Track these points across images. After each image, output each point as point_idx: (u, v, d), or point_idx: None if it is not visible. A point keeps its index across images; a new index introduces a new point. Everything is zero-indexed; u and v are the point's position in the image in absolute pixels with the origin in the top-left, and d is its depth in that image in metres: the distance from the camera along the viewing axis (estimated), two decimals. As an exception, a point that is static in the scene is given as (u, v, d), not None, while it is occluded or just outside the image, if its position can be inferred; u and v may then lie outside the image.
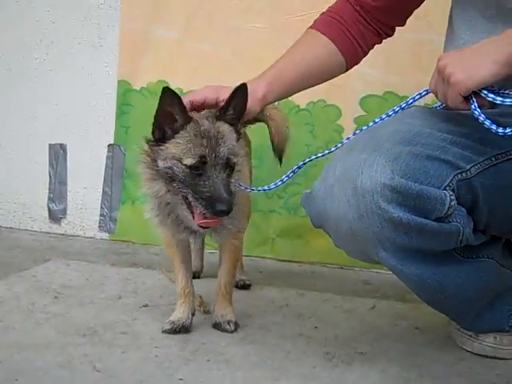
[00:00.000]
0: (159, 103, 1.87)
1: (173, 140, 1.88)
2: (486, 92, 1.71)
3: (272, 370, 1.96)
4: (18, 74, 3.56)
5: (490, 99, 1.71)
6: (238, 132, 1.99)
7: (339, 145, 2.00)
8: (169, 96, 1.85)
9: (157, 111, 1.88)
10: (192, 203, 1.88)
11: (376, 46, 2.31)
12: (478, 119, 1.73)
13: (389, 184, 1.73)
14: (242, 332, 2.21)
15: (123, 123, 3.43)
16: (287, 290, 2.71)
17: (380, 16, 2.20)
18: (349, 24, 2.18)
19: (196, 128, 1.88)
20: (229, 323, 2.17)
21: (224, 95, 1.98)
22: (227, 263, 2.19)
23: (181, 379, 1.86)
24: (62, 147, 3.52)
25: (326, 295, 2.65)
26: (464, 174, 1.84)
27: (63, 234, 3.51)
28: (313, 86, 2.24)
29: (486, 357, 2.15)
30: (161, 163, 1.89)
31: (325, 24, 2.21)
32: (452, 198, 1.80)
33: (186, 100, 1.95)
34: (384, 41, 2.31)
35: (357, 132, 2.00)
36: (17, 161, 3.60)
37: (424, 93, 1.90)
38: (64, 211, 3.53)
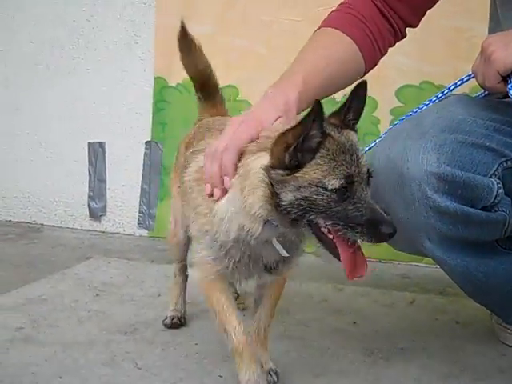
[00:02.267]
0: (309, 123, 1.46)
1: (310, 163, 1.49)
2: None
3: (311, 366, 1.97)
4: (56, 74, 3.63)
5: None
6: None
7: (378, 140, 1.97)
8: (317, 111, 1.45)
9: (296, 131, 1.48)
10: (338, 237, 1.51)
11: (410, 34, 2.24)
12: None
13: (435, 172, 1.70)
14: (281, 328, 2.21)
15: (160, 120, 3.46)
16: (325, 285, 2.71)
17: (401, 10, 2.02)
18: (368, 21, 1.98)
19: (334, 143, 1.51)
20: (270, 373, 1.87)
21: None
22: (270, 302, 1.86)
23: (220, 376, 1.89)
24: (101, 145, 3.57)
25: (365, 290, 2.64)
26: (509, 162, 1.81)
27: (104, 232, 3.57)
28: (333, 93, 1.96)
29: (528, 351, 2.13)
30: (289, 196, 1.49)
31: (344, 21, 1.97)
32: (499, 186, 1.77)
33: (232, 157, 1.61)
34: (419, 29, 2.23)
35: (397, 122, 1.97)
36: (57, 160, 3.67)
37: (466, 78, 1.86)
38: (104, 209, 3.58)
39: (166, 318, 2.22)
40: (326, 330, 2.24)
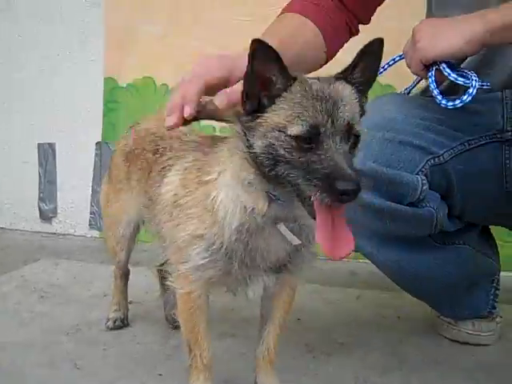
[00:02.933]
0: (249, 63, 1.36)
1: (273, 107, 1.38)
2: (444, 65, 1.73)
3: (252, 362, 1.97)
4: (3, 73, 3.58)
5: (446, 73, 1.73)
6: (363, 102, 1.47)
7: None
8: (262, 52, 1.35)
9: (247, 75, 1.38)
10: (317, 201, 1.33)
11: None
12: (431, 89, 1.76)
13: (360, 169, 1.73)
14: (223, 326, 2.22)
15: (110, 120, 3.45)
16: (273, 282, 2.71)
17: (353, 6, 2.03)
18: (330, 13, 1.97)
19: (304, 87, 1.38)
20: None
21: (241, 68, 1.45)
22: (279, 316, 1.71)
23: (160, 374, 1.89)
24: (51, 146, 3.54)
25: (312, 287, 2.66)
26: (437, 159, 1.85)
27: (54, 233, 3.54)
28: None
29: (465, 343, 2.18)
30: (258, 143, 1.38)
31: (308, 8, 1.92)
32: (424, 182, 1.81)
33: (196, 87, 1.53)
34: (364, 30, 2.22)
35: None
36: (6, 161, 3.63)
37: (397, 58, 1.89)
38: (54, 210, 3.55)
39: (108, 321, 2.21)
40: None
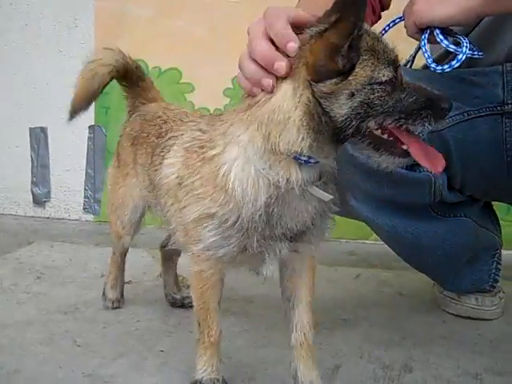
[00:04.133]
0: (352, 12, 1.24)
1: (358, 62, 1.30)
2: (438, 31, 1.70)
3: (256, 338, 1.96)
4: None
5: (438, 39, 1.70)
6: None
7: None
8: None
9: (345, 26, 1.26)
10: (399, 133, 1.35)
11: None
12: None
13: None
14: (226, 304, 2.18)
15: (103, 104, 3.39)
16: (271, 262, 2.69)
17: None
18: None
19: (367, 33, 1.33)
20: None
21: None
22: (307, 294, 1.60)
23: (162, 351, 1.86)
24: (43, 130, 3.49)
25: (311, 266, 2.63)
26: None
27: (48, 218, 3.50)
28: None
29: (469, 318, 2.17)
30: (344, 108, 1.30)
31: None
32: None
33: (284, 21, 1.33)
34: None
35: None
36: (-2, 146, 3.57)
37: (397, 20, 1.84)
38: (48, 195, 3.51)
39: (106, 301, 2.17)
40: (272, 305, 2.21)
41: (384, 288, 2.46)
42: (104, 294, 2.18)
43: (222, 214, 1.43)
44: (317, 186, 1.41)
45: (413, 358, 1.86)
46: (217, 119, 1.54)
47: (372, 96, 1.29)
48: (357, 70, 1.29)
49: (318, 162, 1.37)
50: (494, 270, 2.19)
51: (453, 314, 2.20)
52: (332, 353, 1.87)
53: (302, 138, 1.32)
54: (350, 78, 1.28)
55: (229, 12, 3.21)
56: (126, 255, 2.18)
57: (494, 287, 2.20)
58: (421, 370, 1.79)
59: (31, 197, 3.52)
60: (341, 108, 1.29)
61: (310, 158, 1.35)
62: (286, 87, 1.32)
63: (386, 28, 1.88)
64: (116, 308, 2.16)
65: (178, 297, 2.21)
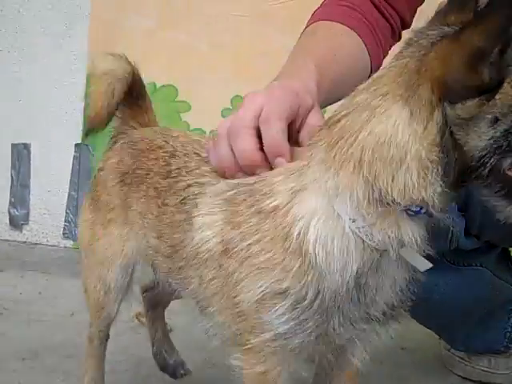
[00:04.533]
0: (499, 5, 0.93)
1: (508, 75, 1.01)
2: None
3: None
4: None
5: None
6: None
7: None
8: None
9: (492, 24, 0.94)
10: None
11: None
12: None
13: None
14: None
15: (91, 121, 3.18)
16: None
17: (397, 3, 1.65)
18: (366, 14, 1.59)
19: None
20: None
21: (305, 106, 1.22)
22: None
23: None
24: (26, 147, 3.26)
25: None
26: None
27: (25, 242, 3.23)
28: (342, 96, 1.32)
29: (479, 382, 2.00)
30: (483, 138, 0.99)
31: (340, 13, 1.58)
32: None
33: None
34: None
35: None
36: (-25, 162, 3.34)
37: None
38: (26, 217, 3.26)
39: None
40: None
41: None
42: None
43: (297, 289, 1.09)
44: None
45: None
46: None
47: None
48: (505, 85, 0.98)
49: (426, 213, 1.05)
50: (510, 329, 1.99)
51: (460, 376, 2.02)
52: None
53: (430, 182, 1.00)
54: (498, 96, 0.97)
55: (233, 26, 3.01)
56: (108, 339, 1.69)
57: (510, 348, 2.01)
58: None
59: (8, 218, 3.27)
60: (480, 139, 0.98)
61: (421, 208, 1.03)
62: (398, 111, 1.00)
63: None
64: None
65: (171, 362, 1.83)
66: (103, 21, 3.17)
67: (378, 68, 1.52)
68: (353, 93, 1.09)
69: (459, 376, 2.01)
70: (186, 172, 1.34)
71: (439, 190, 1.00)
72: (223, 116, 3.03)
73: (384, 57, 1.65)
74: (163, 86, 3.11)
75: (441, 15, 1.04)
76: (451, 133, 0.98)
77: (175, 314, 2.03)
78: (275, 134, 1.14)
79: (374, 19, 1.61)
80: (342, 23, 1.54)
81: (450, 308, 1.84)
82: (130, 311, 2.19)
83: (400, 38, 1.73)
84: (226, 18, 3.02)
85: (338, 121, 1.06)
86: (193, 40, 3.06)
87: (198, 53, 3.05)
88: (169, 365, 1.83)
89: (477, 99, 0.96)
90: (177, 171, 1.36)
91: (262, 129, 1.15)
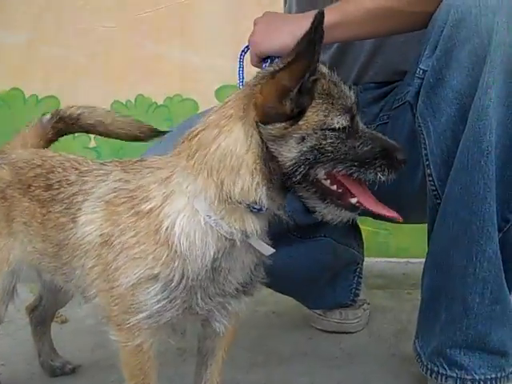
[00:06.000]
0: (306, 53, 1.23)
1: (311, 105, 1.28)
2: (277, 60, 1.68)
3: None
4: None
5: None
6: None
7: None
8: (312, 42, 1.24)
9: (296, 68, 1.24)
10: (350, 183, 1.32)
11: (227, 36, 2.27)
12: None
13: None
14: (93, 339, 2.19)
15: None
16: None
17: None
18: None
19: (325, 76, 1.32)
20: None
21: None
22: (222, 354, 1.60)
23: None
24: None
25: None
26: None
27: None
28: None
29: (334, 332, 2.26)
30: (293, 152, 1.26)
31: None
32: None
33: None
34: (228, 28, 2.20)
35: None
36: None
37: (246, 49, 1.83)
38: None
39: None
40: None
41: (259, 307, 2.51)
42: None
43: (166, 273, 1.32)
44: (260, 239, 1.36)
45: (272, 379, 1.93)
46: (140, 166, 1.45)
47: (324, 142, 1.26)
48: (308, 113, 1.26)
49: (267, 210, 1.32)
50: (354, 285, 2.28)
51: (320, 330, 2.29)
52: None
53: (257, 185, 1.27)
54: (301, 122, 1.25)
55: (104, 37, 3.19)
56: None
57: (356, 301, 2.29)
58: (277, 390, 1.85)
59: None
60: (290, 152, 1.26)
61: (262, 206, 1.30)
62: (237, 129, 1.28)
63: (240, 59, 1.91)
64: None
65: (57, 364, 2.04)
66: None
67: None
68: (209, 112, 1.37)
69: (319, 329, 2.29)
70: (67, 184, 1.56)
71: (268, 192, 1.28)
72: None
73: None
74: (45, 97, 3.26)
75: (286, 54, 1.31)
76: (267, 147, 1.27)
77: (70, 306, 2.25)
78: None
79: None
80: None
81: (295, 276, 2.05)
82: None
83: None
84: (95, 30, 3.20)
85: (196, 135, 1.34)
86: (67, 52, 3.21)
87: (74, 64, 3.21)
88: (56, 368, 2.03)
89: (284, 123, 1.26)
90: (58, 184, 1.58)
91: None
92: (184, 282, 1.32)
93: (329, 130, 1.26)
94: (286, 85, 1.24)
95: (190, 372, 1.91)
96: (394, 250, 3.03)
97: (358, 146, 1.29)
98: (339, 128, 1.27)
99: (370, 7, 1.69)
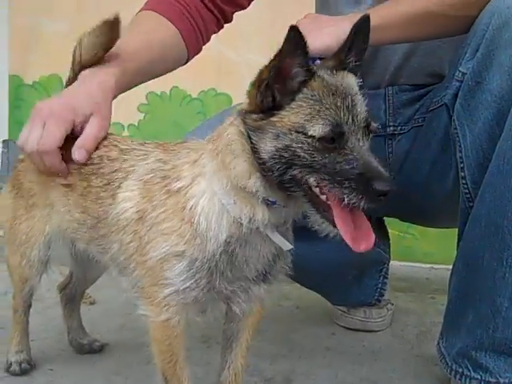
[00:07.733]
0: (281, 51, 1.24)
1: (291, 104, 1.28)
2: (318, 61, 1.74)
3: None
4: None
5: None
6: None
7: None
8: (295, 40, 1.24)
9: (272, 65, 1.26)
10: (332, 197, 1.27)
11: (258, 31, 2.22)
12: None
13: None
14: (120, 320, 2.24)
15: (17, 118, 3.41)
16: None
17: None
18: (192, 11, 1.96)
19: (322, 82, 1.29)
20: None
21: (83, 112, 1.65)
22: (247, 338, 1.61)
23: (51, 369, 1.90)
24: (-46, 144, 3.46)
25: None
26: None
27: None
28: (152, 78, 1.94)
29: (357, 330, 2.28)
30: (268, 146, 1.28)
31: (168, 7, 1.93)
32: None
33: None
34: (266, 24, 2.22)
35: None
36: None
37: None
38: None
39: (11, 365, 1.90)
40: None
41: (283, 302, 2.54)
42: (8, 361, 1.91)
43: (191, 252, 1.38)
44: (280, 233, 1.39)
45: (295, 370, 1.95)
46: (179, 147, 1.51)
47: (295, 145, 1.25)
48: (285, 113, 1.26)
49: (283, 206, 1.34)
50: (380, 285, 2.30)
51: (343, 327, 2.31)
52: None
53: (251, 172, 1.31)
54: (274, 118, 1.27)
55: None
56: (30, 307, 1.92)
57: (380, 301, 2.31)
58: (300, 382, 1.88)
59: None
60: (266, 145, 1.27)
61: (275, 200, 1.33)
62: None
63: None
64: (24, 372, 1.90)
65: (85, 342, 2.08)
66: (22, 25, 3.38)
67: (198, 51, 2.00)
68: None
69: (342, 326, 2.31)
70: (108, 160, 1.61)
71: (263, 183, 1.30)
72: (140, 111, 3.30)
73: (204, 42, 2.03)
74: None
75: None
76: (250, 138, 1.30)
77: (98, 289, 2.31)
78: (54, 163, 1.63)
79: (200, 17, 1.98)
80: (163, 15, 1.91)
81: (323, 273, 2.11)
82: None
83: (229, 20, 2.12)
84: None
85: (218, 135, 1.39)
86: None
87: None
88: (84, 345, 2.08)
89: (257, 115, 1.29)
90: (99, 159, 1.63)
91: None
92: (205, 261, 1.38)
93: (303, 134, 1.25)
94: (262, 77, 1.28)
95: (214, 359, 1.98)
96: (419, 255, 3.06)
97: (340, 162, 1.24)
98: (314, 136, 1.24)
99: (409, 11, 1.72)
